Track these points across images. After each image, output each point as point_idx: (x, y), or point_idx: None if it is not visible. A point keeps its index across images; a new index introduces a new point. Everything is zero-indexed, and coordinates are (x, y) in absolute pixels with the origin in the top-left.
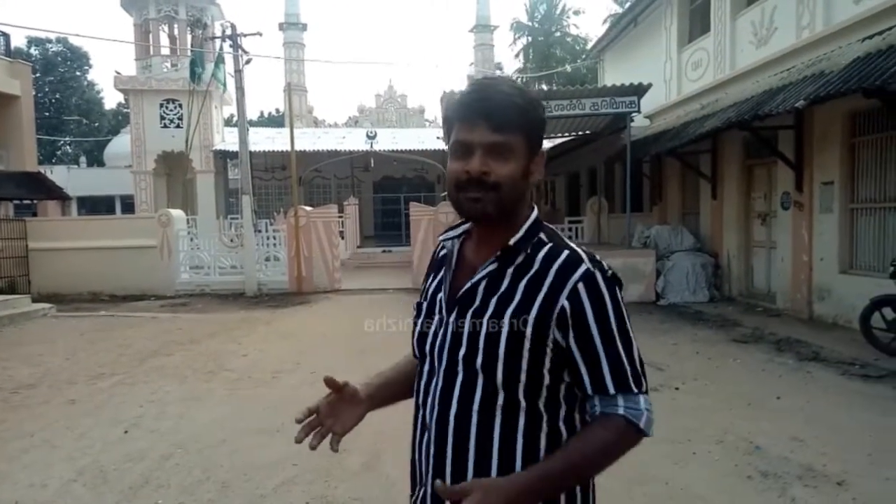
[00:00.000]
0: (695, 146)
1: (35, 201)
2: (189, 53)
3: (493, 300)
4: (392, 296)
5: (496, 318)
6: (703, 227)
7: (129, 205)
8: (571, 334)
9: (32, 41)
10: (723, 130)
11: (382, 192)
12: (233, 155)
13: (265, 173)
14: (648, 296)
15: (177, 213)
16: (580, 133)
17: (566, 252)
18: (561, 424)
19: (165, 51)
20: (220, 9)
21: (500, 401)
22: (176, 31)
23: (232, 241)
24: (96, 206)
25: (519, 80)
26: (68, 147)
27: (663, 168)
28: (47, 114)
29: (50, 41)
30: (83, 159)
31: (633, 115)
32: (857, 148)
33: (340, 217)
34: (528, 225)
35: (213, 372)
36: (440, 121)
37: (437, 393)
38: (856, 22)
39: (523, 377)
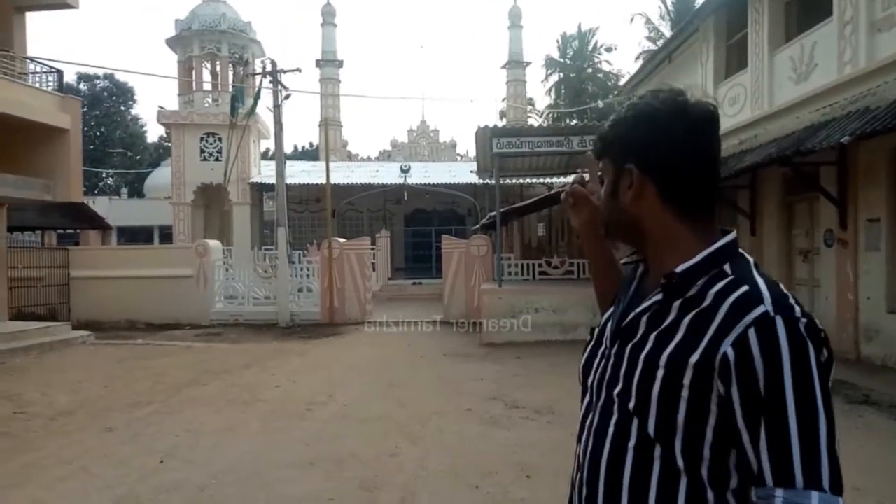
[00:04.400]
0: (733, 181)
1: (78, 231)
2: (230, 89)
3: (653, 336)
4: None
5: (653, 357)
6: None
7: (166, 235)
8: (735, 392)
9: (82, 77)
10: (763, 166)
11: (414, 225)
12: (268, 187)
13: (299, 206)
14: None
15: (213, 243)
16: None
17: (745, 287)
18: (730, 499)
19: (207, 86)
20: (260, 46)
21: (658, 453)
22: (218, 68)
23: (266, 272)
24: (135, 235)
25: (550, 115)
26: (110, 179)
27: None
28: (92, 146)
29: (98, 77)
30: (124, 190)
31: None
32: None
33: (373, 249)
34: (706, 253)
35: (248, 403)
36: (472, 154)
37: (592, 431)
38: None
39: (680, 432)
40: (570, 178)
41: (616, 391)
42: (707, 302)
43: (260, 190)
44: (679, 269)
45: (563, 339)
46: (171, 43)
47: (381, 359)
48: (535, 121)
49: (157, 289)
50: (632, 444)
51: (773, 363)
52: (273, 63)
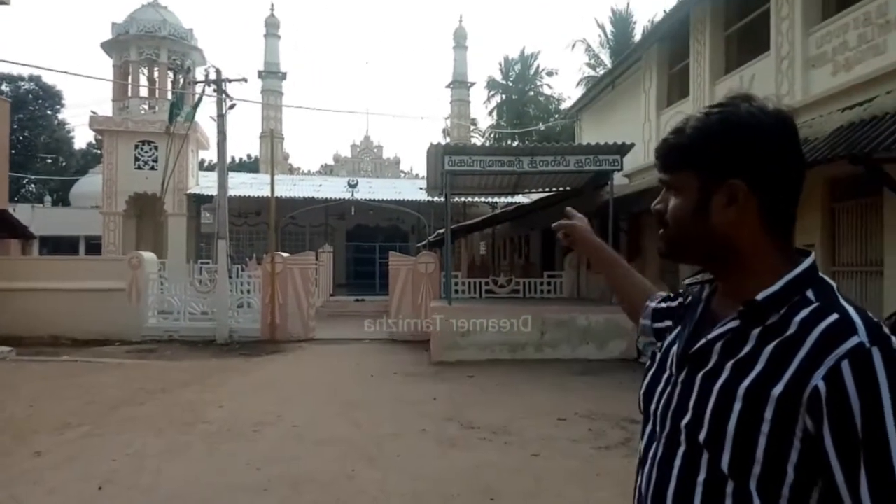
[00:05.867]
0: None
1: None
2: (169, 97)
3: (730, 365)
4: (368, 345)
5: (730, 388)
6: (683, 285)
7: (94, 245)
8: (827, 430)
9: (3, 78)
10: None
11: (356, 241)
12: (206, 199)
13: (238, 218)
14: (630, 353)
15: (148, 255)
16: (559, 189)
17: (835, 315)
18: None
19: (144, 92)
20: (202, 54)
21: (730, 489)
22: (156, 74)
23: (204, 286)
24: (60, 245)
25: (493, 136)
26: (32, 185)
27: (641, 224)
28: (13, 151)
29: (22, 79)
30: (48, 198)
31: (615, 172)
32: (837, 213)
33: (316, 265)
34: (788, 278)
35: (190, 423)
36: (416, 171)
37: (656, 462)
38: (834, 93)
39: (757, 469)
40: (517, 199)
41: (684, 422)
42: (791, 330)
43: (197, 201)
44: (760, 296)
45: (512, 357)
46: (107, 47)
47: (330, 377)
48: (477, 140)
49: (85, 302)
50: (701, 478)
51: (871, 398)
52: (218, 71)
